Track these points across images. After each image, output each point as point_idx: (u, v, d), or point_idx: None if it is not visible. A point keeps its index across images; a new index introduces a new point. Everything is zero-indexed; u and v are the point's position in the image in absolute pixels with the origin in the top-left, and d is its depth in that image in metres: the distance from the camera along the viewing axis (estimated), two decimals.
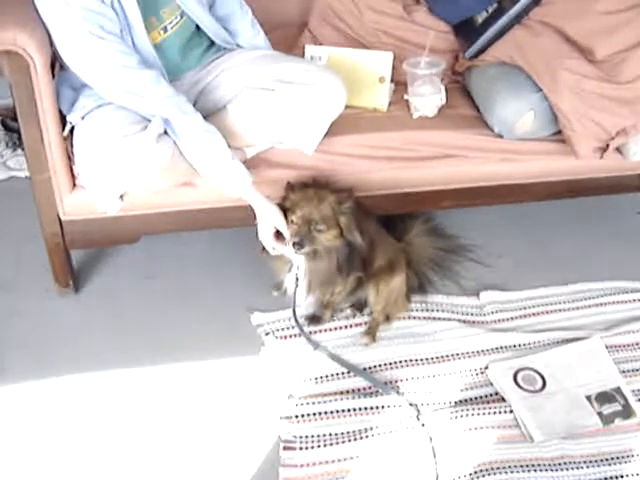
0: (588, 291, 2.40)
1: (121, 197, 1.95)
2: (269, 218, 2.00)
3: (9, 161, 2.83)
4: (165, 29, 2.05)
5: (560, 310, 2.34)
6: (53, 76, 1.97)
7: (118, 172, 1.85)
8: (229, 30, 2.25)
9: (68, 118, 1.99)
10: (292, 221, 2.00)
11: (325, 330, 2.21)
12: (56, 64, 2.00)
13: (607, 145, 2.27)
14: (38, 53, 1.85)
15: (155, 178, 1.90)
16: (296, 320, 2.15)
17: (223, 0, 2.22)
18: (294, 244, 1.96)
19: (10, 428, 1.91)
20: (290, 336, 2.18)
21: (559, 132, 2.29)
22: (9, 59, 1.85)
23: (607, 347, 2.16)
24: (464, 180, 2.33)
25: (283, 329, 2.20)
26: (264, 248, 2.07)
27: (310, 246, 1.98)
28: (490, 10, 2.39)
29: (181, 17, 2.07)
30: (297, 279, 2.09)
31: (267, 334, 2.19)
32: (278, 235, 2.03)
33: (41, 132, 1.97)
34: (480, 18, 2.42)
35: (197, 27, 2.15)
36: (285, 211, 2.02)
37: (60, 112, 2.01)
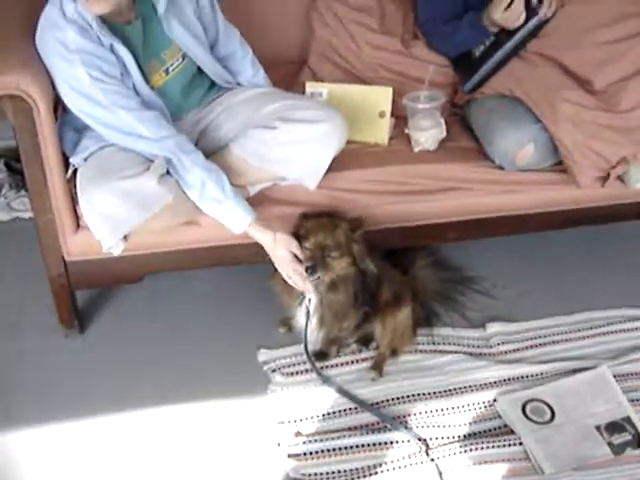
0: (594, 320, 2.40)
1: (125, 237, 1.95)
2: (282, 246, 2.00)
3: (13, 202, 2.84)
4: (167, 71, 2.07)
5: (566, 340, 2.33)
6: (56, 118, 1.98)
7: (121, 214, 1.86)
8: (230, 69, 2.28)
9: (71, 160, 2.00)
10: (306, 247, 2.01)
11: (332, 366, 2.20)
12: (59, 106, 2.01)
13: (608, 174, 2.27)
14: (41, 96, 1.87)
15: (158, 218, 1.91)
16: (307, 354, 2.14)
17: (225, 41, 2.24)
18: (307, 268, 1.98)
19: (16, 472, 1.90)
20: (297, 372, 2.17)
21: (560, 162, 2.29)
22: (12, 103, 1.87)
23: (615, 376, 2.15)
24: (467, 212, 2.33)
25: (290, 366, 2.19)
26: (285, 282, 2.06)
27: (323, 272, 2.00)
28: (487, 43, 2.40)
29: (183, 59, 2.09)
30: (308, 313, 2.09)
31: (274, 371, 2.18)
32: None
33: (44, 174, 1.98)
34: (477, 51, 2.43)
35: (198, 68, 2.16)
36: (299, 240, 2.03)
37: (63, 154, 2.01)
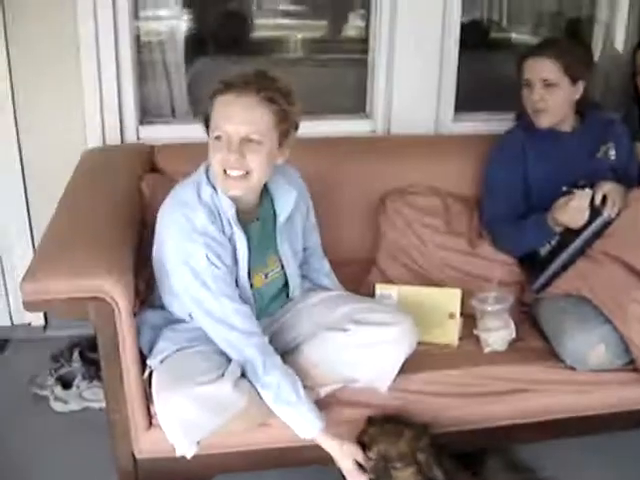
0: None
1: (198, 442, 1.96)
2: (347, 456, 1.99)
3: (85, 392, 2.87)
4: (267, 275, 2.18)
5: None
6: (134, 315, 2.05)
7: (197, 420, 1.87)
8: (311, 264, 2.40)
9: (147, 362, 2.05)
10: (369, 457, 1.99)
11: None
12: (136, 303, 2.09)
13: None
14: (122, 299, 1.94)
15: (232, 423, 1.92)
16: None
17: (312, 249, 2.39)
18: None
19: None
20: None
21: (633, 360, 2.27)
22: (95, 305, 1.94)
23: None
24: (539, 413, 2.29)
25: None
26: None
27: None
28: (553, 243, 2.45)
29: (281, 268, 2.21)
30: None
31: None
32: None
33: (121, 373, 2.02)
34: (543, 251, 2.48)
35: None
36: (364, 446, 2.01)
37: (139, 350, 2.07)
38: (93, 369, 2.90)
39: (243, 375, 1.96)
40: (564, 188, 2.41)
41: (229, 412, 1.89)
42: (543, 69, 2.53)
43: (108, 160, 2.71)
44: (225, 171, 1.95)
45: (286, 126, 2.00)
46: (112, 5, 2.72)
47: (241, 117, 1.93)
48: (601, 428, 2.41)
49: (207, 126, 2.01)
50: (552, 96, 2.54)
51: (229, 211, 2.00)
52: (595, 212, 2.37)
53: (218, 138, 1.95)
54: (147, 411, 2.09)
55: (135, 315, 2.06)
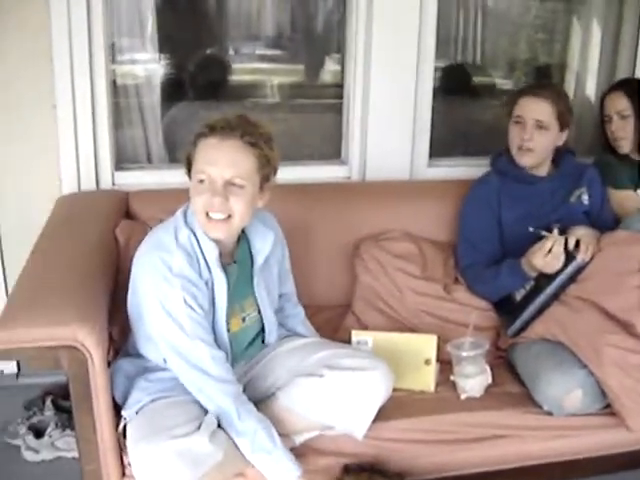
0: None
1: None
2: None
3: (57, 441, 2.82)
4: (244, 319, 2.17)
5: None
6: (108, 364, 2.02)
7: (173, 474, 1.82)
8: (285, 311, 2.40)
9: (123, 413, 2.02)
10: None
11: None
12: (111, 351, 2.06)
13: None
14: (96, 348, 1.92)
15: (207, 476, 1.86)
16: None
17: (287, 295, 2.40)
18: None
19: None
20: None
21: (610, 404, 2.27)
22: (68, 354, 1.91)
23: None
24: (516, 460, 2.28)
25: None
26: None
27: None
28: (528, 288, 2.46)
29: (257, 313, 2.20)
30: None
31: None
32: None
33: (94, 422, 1.98)
34: (519, 295, 2.49)
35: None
36: None
37: (112, 399, 2.03)
38: (66, 417, 2.86)
39: (219, 426, 1.93)
40: (530, 229, 2.43)
41: (206, 465, 1.84)
42: (541, 110, 2.56)
43: (83, 206, 2.70)
44: (207, 214, 1.96)
45: (267, 171, 2.03)
46: (88, 50, 2.72)
47: (225, 161, 1.94)
48: (580, 473, 2.39)
49: (189, 169, 2.02)
50: (541, 138, 2.57)
51: (212, 253, 2.00)
52: (569, 257, 2.39)
53: (201, 181, 1.96)
54: (120, 461, 2.05)
55: (109, 364, 2.04)
